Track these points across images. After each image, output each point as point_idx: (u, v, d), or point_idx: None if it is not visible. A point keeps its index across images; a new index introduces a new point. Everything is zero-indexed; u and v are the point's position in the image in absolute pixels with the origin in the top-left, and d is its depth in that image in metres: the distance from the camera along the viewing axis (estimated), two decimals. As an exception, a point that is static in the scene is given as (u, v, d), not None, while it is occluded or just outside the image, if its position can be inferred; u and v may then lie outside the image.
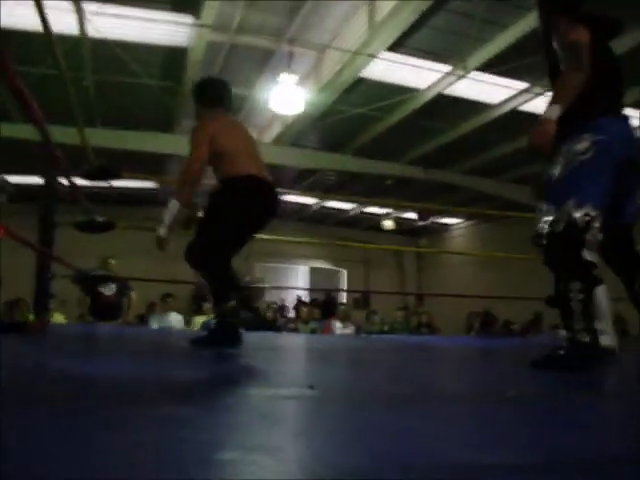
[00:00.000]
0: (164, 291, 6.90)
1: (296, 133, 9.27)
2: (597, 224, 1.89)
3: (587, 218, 1.86)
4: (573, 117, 1.93)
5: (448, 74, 6.98)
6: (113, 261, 6.19)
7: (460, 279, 12.77)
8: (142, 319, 7.49)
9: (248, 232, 2.85)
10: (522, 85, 7.44)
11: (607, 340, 2.66)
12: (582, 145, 1.93)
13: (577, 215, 1.86)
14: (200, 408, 1.08)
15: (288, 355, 2.69)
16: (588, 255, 1.89)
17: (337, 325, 7.35)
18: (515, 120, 8.19)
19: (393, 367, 2.34)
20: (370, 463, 0.73)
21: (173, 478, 0.63)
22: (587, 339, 1.91)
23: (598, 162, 1.92)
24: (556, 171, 1.98)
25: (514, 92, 7.62)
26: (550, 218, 1.94)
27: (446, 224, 15.80)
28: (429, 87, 7.51)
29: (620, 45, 6.20)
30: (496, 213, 7.35)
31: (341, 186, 11.98)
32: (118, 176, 3.40)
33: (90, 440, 0.79)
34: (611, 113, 2.01)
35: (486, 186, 10.92)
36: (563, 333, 2.03)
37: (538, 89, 7.38)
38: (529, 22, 5.93)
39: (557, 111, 1.90)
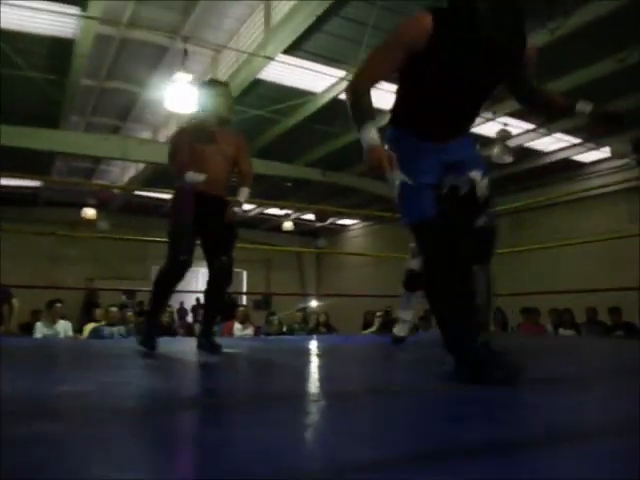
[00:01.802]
0: (49, 298, 6.45)
1: (193, 133, 9.07)
2: None
3: None
4: None
5: (342, 79, 7.16)
6: None
7: (358, 279, 13.14)
8: (27, 328, 6.98)
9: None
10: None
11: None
12: None
13: None
14: (75, 422, 1.04)
15: (174, 362, 2.63)
16: None
17: (237, 327, 7.28)
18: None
19: (282, 367, 2.37)
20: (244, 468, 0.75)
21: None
22: None
23: None
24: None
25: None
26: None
27: (344, 225, 16.21)
28: (324, 91, 7.67)
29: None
30: (389, 215, 7.59)
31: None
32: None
33: None
34: None
35: (380, 188, 11.26)
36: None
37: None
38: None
39: None
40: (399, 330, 3.52)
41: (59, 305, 6.34)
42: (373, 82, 1.82)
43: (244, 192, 3.04)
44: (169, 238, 2.82)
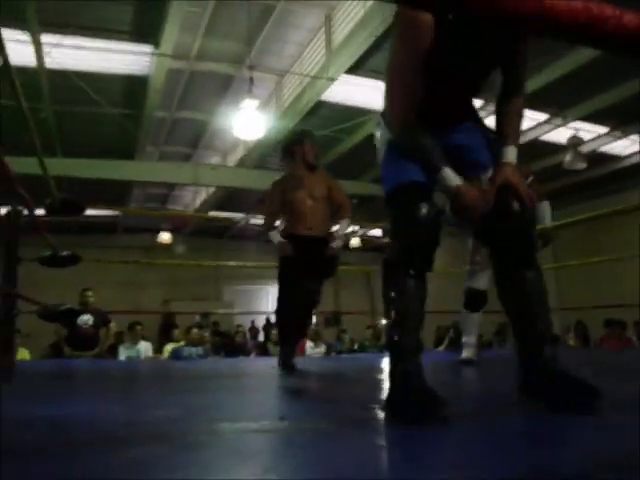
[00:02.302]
0: (129, 321, 6.80)
1: (260, 156, 9.34)
2: None
3: None
4: None
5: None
6: (89, 292, 6.13)
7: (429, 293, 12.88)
8: (112, 349, 7.37)
9: None
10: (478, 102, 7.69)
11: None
12: None
13: None
14: (174, 446, 1.11)
15: (256, 384, 2.70)
16: None
17: (308, 345, 7.35)
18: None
19: (363, 387, 2.38)
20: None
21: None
22: None
23: None
24: None
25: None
26: None
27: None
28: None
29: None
30: (452, 229, 7.48)
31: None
32: (82, 210, 3.37)
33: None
34: None
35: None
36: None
37: (492, 107, 7.64)
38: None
39: None
40: (466, 353, 3.45)
41: (139, 327, 6.66)
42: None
43: (343, 224, 3.23)
44: (278, 281, 3.20)
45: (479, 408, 1.61)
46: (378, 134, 1.72)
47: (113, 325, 6.28)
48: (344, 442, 1.18)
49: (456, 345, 7.78)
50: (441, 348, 8.07)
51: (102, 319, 6.15)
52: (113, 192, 10.23)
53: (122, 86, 7.35)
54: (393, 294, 1.55)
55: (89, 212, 11.24)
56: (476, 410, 1.57)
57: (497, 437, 1.18)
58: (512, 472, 0.89)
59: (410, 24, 1.42)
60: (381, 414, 1.55)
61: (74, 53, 6.38)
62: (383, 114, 1.69)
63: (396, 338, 1.51)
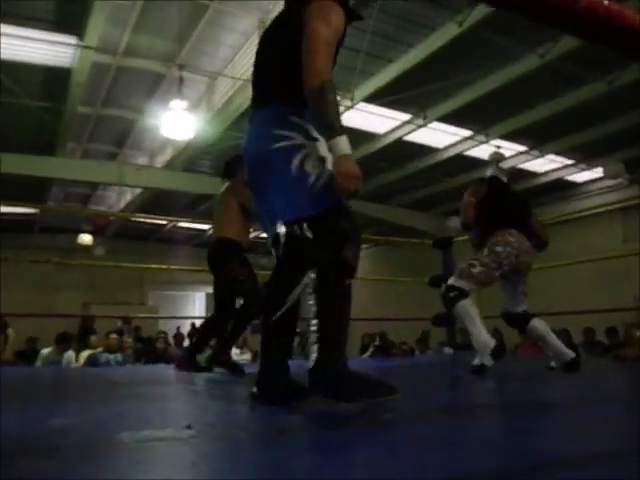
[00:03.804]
0: (44, 325, 6.42)
1: (189, 158, 9.14)
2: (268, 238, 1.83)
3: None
4: None
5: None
6: None
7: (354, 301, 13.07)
8: (23, 356, 6.91)
9: None
10: (405, 116, 7.90)
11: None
12: None
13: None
14: (66, 459, 1.03)
15: (169, 391, 2.61)
16: None
17: (234, 351, 7.23)
18: (401, 149, 8.70)
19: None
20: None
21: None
22: None
23: None
24: None
25: (398, 123, 8.07)
26: None
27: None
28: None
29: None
30: (383, 238, 7.62)
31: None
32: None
33: None
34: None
35: (374, 210, 11.16)
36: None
37: (419, 121, 7.88)
38: (412, 58, 6.37)
39: None
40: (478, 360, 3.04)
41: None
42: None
43: None
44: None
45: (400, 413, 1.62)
46: (292, 134, 1.73)
47: (11, 331, 5.87)
48: (252, 450, 1.15)
49: (381, 352, 7.94)
50: (366, 355, 8.18)
51: None
52: (29, 190, 9.65)
53: (43, 77, 6.97)
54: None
55: (2, 210, 10.58)
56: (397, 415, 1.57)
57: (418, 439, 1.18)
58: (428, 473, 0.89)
59: (339, 14, 1.74)
60: (295, 421, 1.52)
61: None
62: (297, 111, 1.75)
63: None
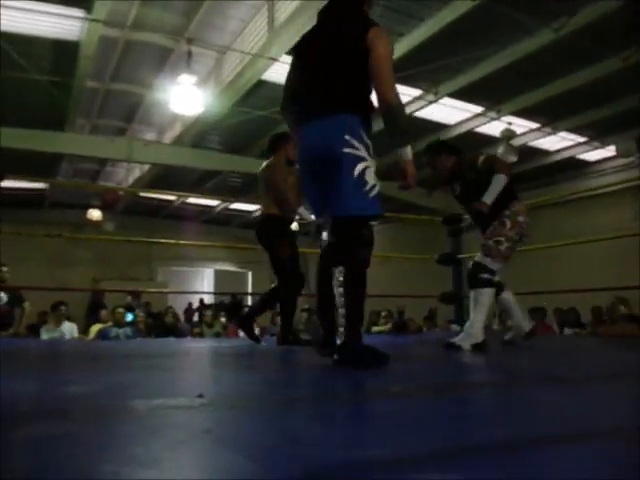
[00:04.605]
0: (56, 299, 6.47)
1: (198, 134, 9.10)
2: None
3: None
4: None
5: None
6: (5, 268, 5.65)
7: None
8: (34, 329, 7.01)
9: None
10: (416, 92, 7.81)
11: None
12: None
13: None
14: (81, 422, 1.05)
15: (179, 363, 2.64)
16: None
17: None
18: (411, 125, 8.61)
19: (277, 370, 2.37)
20: (260, 468, 0.76)
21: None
22: None
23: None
24: None
25: (409, 99, 7.97)
26: None
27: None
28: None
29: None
30: (391, 215, 7.57)
31: (245, 188, 11.91)
32: (1, 178, 3.17)
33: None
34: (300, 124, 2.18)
35: (385, 188, 11.17)
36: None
37: (431, 96, 7.78)
38: (424, 32, 6.26)
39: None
40: (510, 335, 3.60)
41: (63, 308, 6.36)
42: None
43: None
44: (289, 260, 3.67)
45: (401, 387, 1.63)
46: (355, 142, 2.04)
47: (27, 305, 5.93)
48: (263, 420, 1.16)
49: (398, 329, 7.97)
50: (378, 329, 8.22)
51: (16, 298, 5.81)
52: (38, 165, 9.67)
53: (51, 51, 6.92)
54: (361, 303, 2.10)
55: (13, 184, 10.64)
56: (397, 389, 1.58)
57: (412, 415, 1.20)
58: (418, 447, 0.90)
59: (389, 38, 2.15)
60: (305, 394, 1.54)
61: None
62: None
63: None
